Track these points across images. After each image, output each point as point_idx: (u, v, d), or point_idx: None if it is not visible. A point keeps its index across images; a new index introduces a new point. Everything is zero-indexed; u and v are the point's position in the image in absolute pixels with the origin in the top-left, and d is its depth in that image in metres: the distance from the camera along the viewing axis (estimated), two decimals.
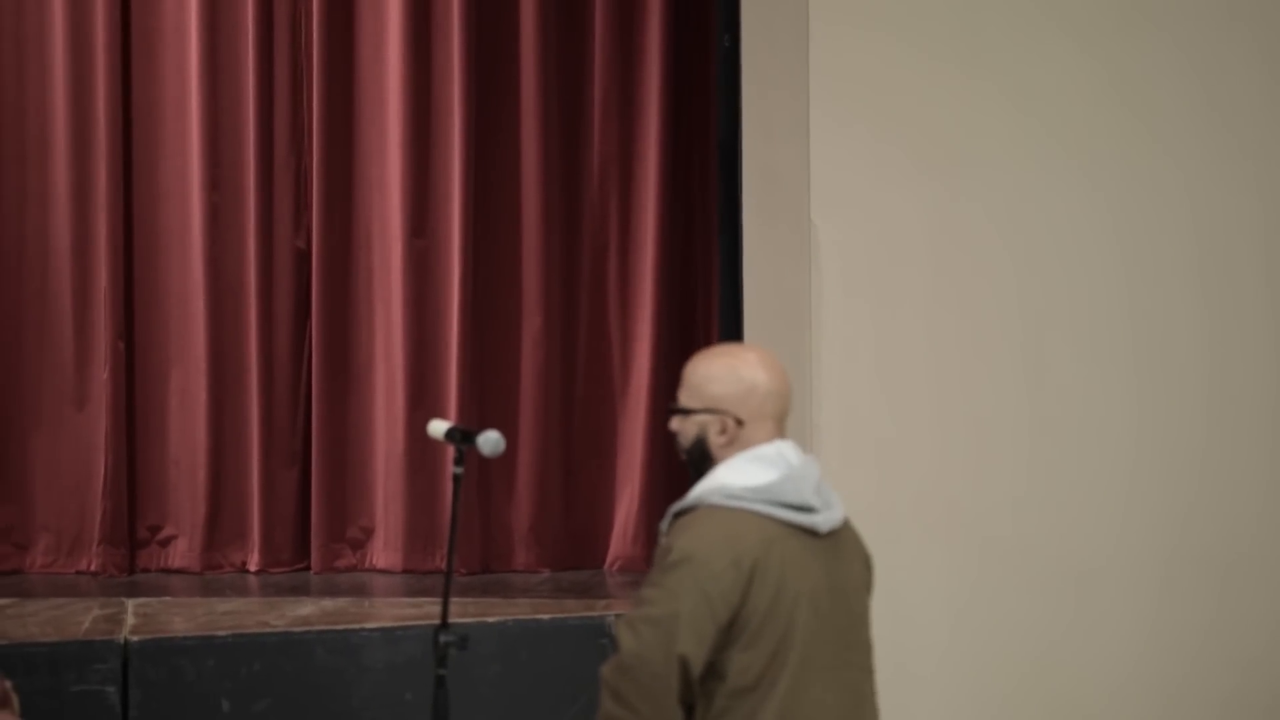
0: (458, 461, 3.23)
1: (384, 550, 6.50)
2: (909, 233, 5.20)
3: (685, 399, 2.73)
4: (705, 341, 6.60)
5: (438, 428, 3.31)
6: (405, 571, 6.45)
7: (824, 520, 2.64)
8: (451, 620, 3.27)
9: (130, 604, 5.42)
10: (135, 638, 4.64)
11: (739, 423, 2.65)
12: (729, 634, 2.54)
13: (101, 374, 6.28)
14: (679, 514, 2.67)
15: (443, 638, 3.21)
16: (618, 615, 5.04)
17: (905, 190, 5.22)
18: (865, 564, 2.79)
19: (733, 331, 5.89)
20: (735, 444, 2.66)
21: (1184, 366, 4.60)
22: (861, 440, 5.25)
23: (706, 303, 6.77)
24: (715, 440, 2.67)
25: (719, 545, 2.55)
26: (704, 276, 6.80)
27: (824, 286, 5.37)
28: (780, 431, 2.70)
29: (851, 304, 5.33)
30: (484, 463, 6.30)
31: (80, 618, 5.08)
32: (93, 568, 6.23)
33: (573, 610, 5.24)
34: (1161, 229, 4.63)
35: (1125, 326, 4.72)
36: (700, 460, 2.71)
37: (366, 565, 6.52)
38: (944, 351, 5.11)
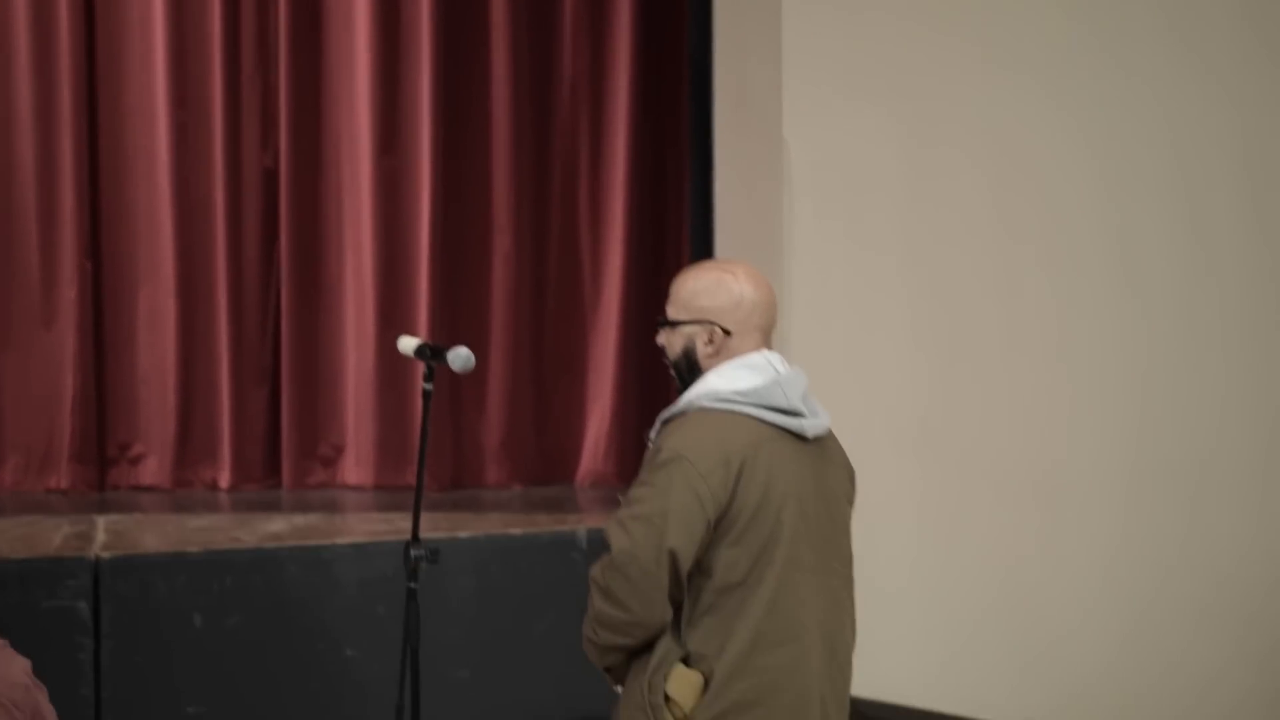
0: (428, 378, 3.22)
1: (355, 467, 6.51)
2: (881, 150, 5.18)
3: (673, 312, 2.74)
4: (676, 259, 6.60)
5: (408, 344, 3.30)
6: (376, 488, 6.47)
7: (810, 425, 2.66)
8: (423, 535, 3.28)
9: (101, 521, 5.42)
10: (106, 554, 4.64)
11: (726, 333, 2.68)
12: (717, 531, 2.57)
13: (69, 292, 6.23)
14: (668, 420, 2.69)
15: (414, 552, 3.22)
16: (590, 530, 5.08)
17: (878, 107, 5.20)
18: (849, 476, 2.82)
19: (704, 248, 5.89)
20: (722, 355, 2.69)
21: (1154, 281, 4.62)
22: (833, 356, 5.25)
23: (678, 220, 6.76)
24: (703, 350, 2.70)
25: (708, 445, 2.57)
26: (675, 194, 6.77)
27: (795, 203, 5.36)
28: (767, 344, 2.73)
29: (823, 220, 5.32)
30: (455, 380, 6.31)
31: (50, 535, 5.08)
32: (62, 485, 6.22)
33: (544, 525, 5.26)
34: (1134, 145, 4.63)
35: (1097, 243, 4.73)
36: (688, 371, 2.73)
37: (338, 482, 6.53)
38: (916, 268, 5.12)
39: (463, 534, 5.04)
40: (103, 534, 5.10)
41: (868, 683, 4.97)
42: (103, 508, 5.83)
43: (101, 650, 4.59)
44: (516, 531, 5.11)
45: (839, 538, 2.73)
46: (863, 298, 5.25)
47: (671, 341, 2.75)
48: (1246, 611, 4.44)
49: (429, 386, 3.23)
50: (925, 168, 5.09)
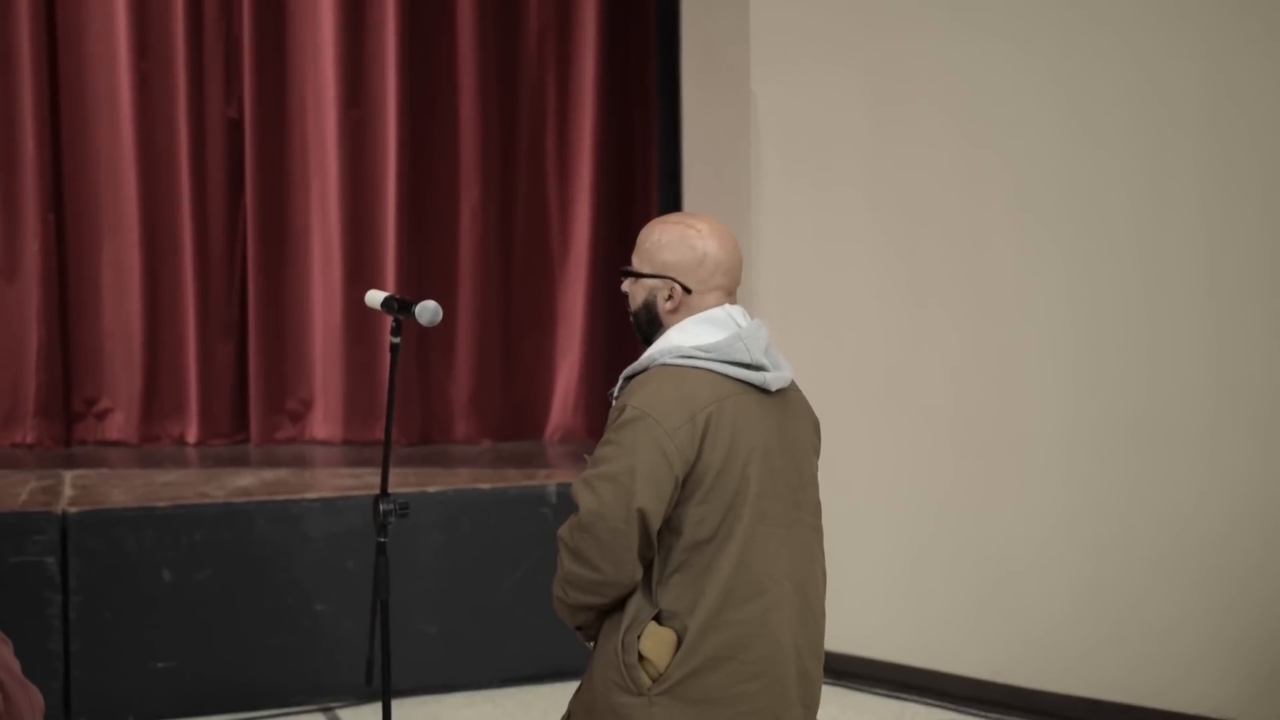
0: (395, 331, 3.20)
1: (323, 421, 6.50)
2: (849, 102, 5.18)
3: (637, 263, 2.73)
4: (645, 211, 6.60)
5: (375, 297, 3.28)
6: (345, 443, 6.46)
7: (774, 379, 2.66)
8: (392, 490, 3.27)
9: (68, 476, 5.40)
10: (74, 509, 4.63)
11: (687, 291, 2.67)
12: (685, 489, 2.57)
13: (32, 246, 6.18)
14: (630, 377, 2.68)
15: (383, 506, 3.21)
16: (559, 484, 5.09)
17: (845, 59, 5.18)
18: (814, 428, 2.83)
19: (672, 201, 5.88)
20: (682, 311, 2.68)
21: (1120, 234, 4.62)
22: (800, 308, 5.27)
23: (645, 172, 6.74)
24: (663, 306, 2.69)
25: (673, 401, 2.56)
26: (643, 145, 6.76)
27: (763, 155, 5.35)
28: (730, 303, 2.71)
29: (790, 172, 5.32)
30: (423, 334, 6.30)
31: (17, 489, 5.05)
32: (28, 440, 6.19)
33: (513, 480, 5.26)
34: (1102, 97, 4.63)
35: (1064, 195, 4.73)
36: (648, 324, 2.72)
37: (306, 437, 6.53)
38: (883, 220, 5.12)
39: (432, 488, 5.03)
40: (70, 489, 5.08)
41: (833, 636, 5.01)
42: (69, 463, 5.80)
43: (70, 605, 4.58)
44: (485, 486, 5.11)
45: (806, 489, 2.74)
46: (829, 250, 5.25)
47: (634, 293, 2.74)
48: (1204, 561, 4.48)
49: (397, 340, 3.21)
50: (892, 120, 5.08)
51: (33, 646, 4.44)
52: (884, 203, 5.12)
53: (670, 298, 2.67)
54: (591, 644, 2.72)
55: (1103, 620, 4.68)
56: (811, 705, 2.72)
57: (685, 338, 2.64)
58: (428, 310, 3.13)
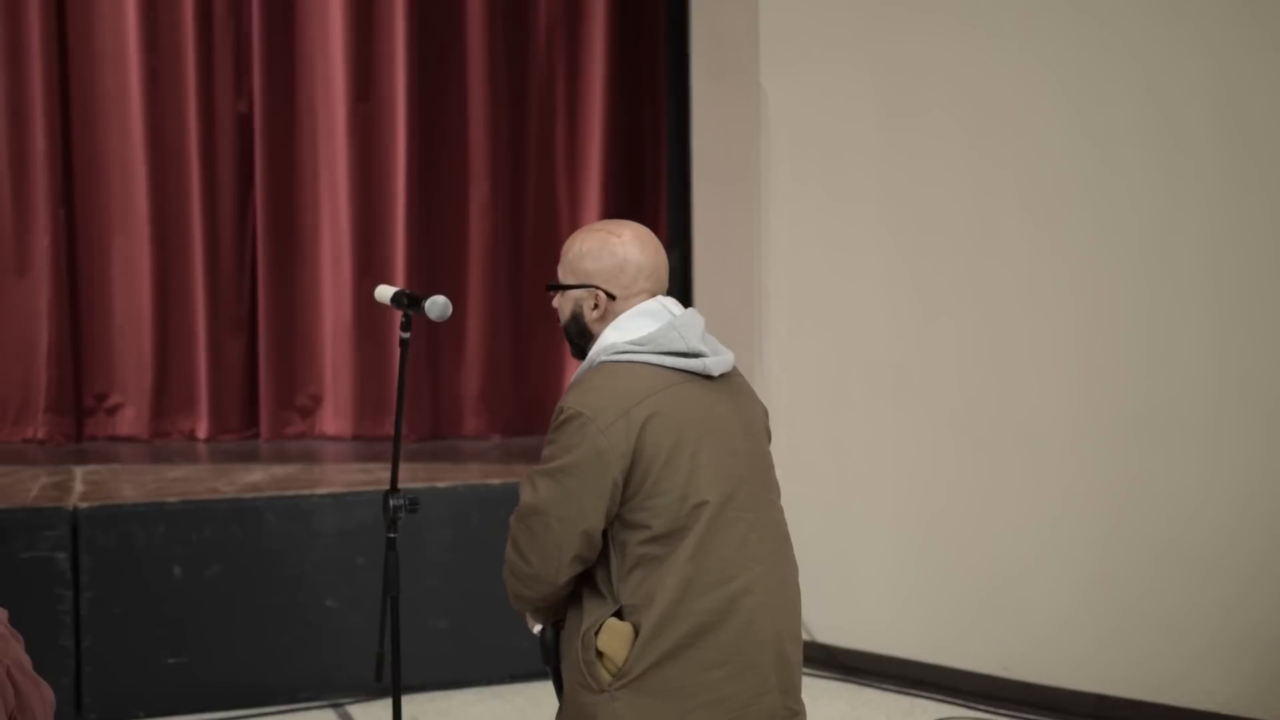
0: (405, 326, 3.20)
1: (333, 417, 6.51)
2: (858, 99, 5.17)
3: (561, 275, 2.77)
4: (654, 207, 6.60)
5: (384, 292, 3.28)
6: (355, 438, 6.47)
7: (714, 364, 2.68)
8: (402, 485, 3.28)
9: (79, 471, 5.41)
10: (84, 505, 4.64)
11: (611, 297, 2.68)
12: (631, 484, 2.57)
13: (42, 241, 6.19)
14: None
15: (393, 501, 3.22)
16: None
17: (854, 53, 5.18)
18: (765, 412, 2.83)
19: (681, 197, 5.88)
20: (608, 318, 2.70)
21: (1128, 232, 4.62)
22: (810, 306, 5.27)
23: (655, 169, 6.74)
24: (589, 315, 2.72)
25: (606, 398, 2.57)
26: (652, 140, 6.75)
27: (772, 150, 5.35)
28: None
29: (800, 168, 5.31)
30: (433, 330, 6.30)
31: (28, 485, 5.07)
32: (39, 436, 6.21)
33: (522, 475, 5.24)
34: (1110, 93, 4.62)
35: (1072, 194, 4.72)
36: (578, 335, 2.75)
37: (316, 432, 6.54)
38: (892, 217, 5.12)
39: (441, 484, 5.04)
40: (81, 484, 5.10)
41: (841, 631, 5.02)
42: (80, 458, 5.82)
43: (81, 601, 4.60)
44: (495, 481, 5.12)
45: (770, 470, 2.75)
46: (840, 247, 5.25)
47: (562, 307, 2.77)
48: (1211, 555, 4.48)
49: (406, 335, 3.21)
50: (902, 116, 5.08)
51: (44, 642, 4.46)
52: (893, 198, 5.12)
53: (596, 306, 2.71)
54: (537, 628, 2.79)
55: (1110, 615, 4.68)
56: (790, 690, 2.69)
57: (620, 334, 2.67)
58: (437, 305, 3.13)
